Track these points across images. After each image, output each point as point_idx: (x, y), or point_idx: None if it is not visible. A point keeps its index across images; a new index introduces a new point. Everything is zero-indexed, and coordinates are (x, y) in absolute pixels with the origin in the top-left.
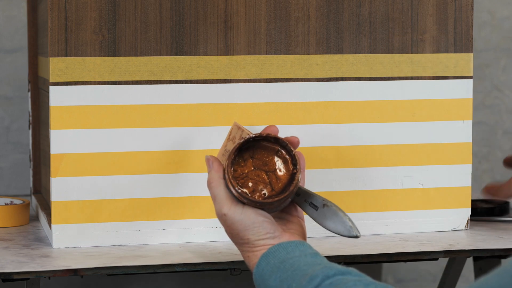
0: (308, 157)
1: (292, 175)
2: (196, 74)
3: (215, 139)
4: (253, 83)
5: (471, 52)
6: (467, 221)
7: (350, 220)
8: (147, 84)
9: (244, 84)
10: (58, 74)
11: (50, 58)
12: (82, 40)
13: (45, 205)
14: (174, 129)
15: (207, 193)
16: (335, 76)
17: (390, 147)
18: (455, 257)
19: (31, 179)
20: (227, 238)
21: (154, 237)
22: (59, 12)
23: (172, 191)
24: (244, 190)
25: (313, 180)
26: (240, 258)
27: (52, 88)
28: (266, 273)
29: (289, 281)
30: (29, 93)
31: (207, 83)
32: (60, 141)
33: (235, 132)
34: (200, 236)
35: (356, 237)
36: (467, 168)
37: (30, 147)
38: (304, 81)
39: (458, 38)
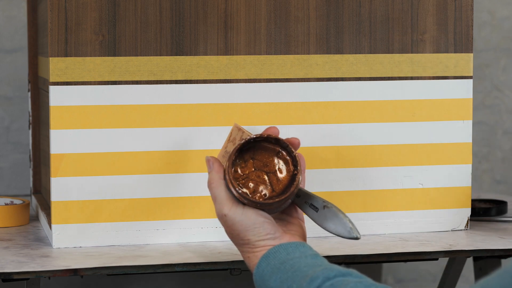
0: (308, 157)
1: (293, 176)
2: (196, 74)
3: (215, 139)
4: (253, 83)
5: (471, 52)
6: (467, 221)
7: (350, 221)
8: (147, 84)
9: (244, 84)
10: (58, 74)
11: (50, 58)
12: (82, 40)
13: (45, 205)
14: (174, 129)
15: (207, 193)
16: (335, 76)
17: (390, 147)
18: (455, 257)
19: (31, 179)
20: (227, 238)
21: (154, 237)
22: (59, 12)
23: (172, 191)
24: (245, 190)
25: (313, 180)
26: (240, 258)
27: (52, 88)
28: (266, 274)
29: (289, 282)
30: (29, 93)
31: (207, 83)
32: (60, 141)
33: (235, 133)
34: (200, 236)
35: (357, 238)
36: (467, 168)
37: (30, 147)
38: (304, 81)
39: (458, 38)
